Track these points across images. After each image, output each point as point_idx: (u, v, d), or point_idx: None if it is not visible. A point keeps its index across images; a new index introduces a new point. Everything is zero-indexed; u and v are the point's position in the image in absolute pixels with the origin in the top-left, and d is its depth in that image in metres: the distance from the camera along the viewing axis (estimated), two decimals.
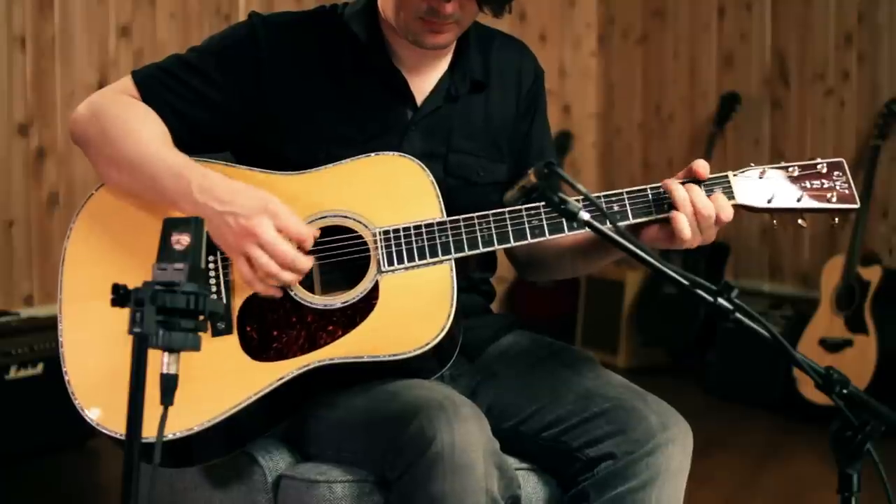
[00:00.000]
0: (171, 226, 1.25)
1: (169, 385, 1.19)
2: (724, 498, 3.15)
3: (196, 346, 1.21)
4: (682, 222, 1.61)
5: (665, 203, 1.65)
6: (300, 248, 1.58)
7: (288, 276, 1.57)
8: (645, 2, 5.13)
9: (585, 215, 1.34)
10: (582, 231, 1.68)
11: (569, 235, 1.75)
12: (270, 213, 1.56)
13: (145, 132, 1.66)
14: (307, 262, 1.58)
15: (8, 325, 3.38)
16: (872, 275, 3.78)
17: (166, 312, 1.18)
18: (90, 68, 3.91)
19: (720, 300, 1.28)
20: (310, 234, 1.59)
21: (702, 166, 1.66)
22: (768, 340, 1.28)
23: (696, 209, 1.62)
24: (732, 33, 4.71)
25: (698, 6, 4.87)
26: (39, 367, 3.32)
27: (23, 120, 3.77)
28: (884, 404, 1.27)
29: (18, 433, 3.28)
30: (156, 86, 1.71)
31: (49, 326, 3.34)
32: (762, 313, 4.10)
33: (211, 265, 1.64)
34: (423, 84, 1.80)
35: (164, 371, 1.20)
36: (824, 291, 3.90)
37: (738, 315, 1.28)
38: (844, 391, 1.27)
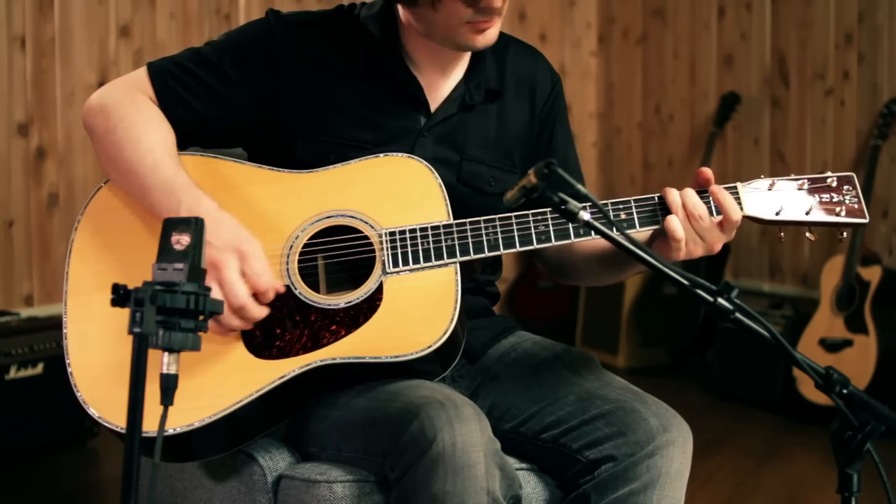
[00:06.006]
0: (171, 226, 1.25)
1: (169, 385, 1.19)
2: (724, 498, 3.15)
3: (196, 347, 1.21)
4: (673, 223, 1.60)
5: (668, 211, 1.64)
6: (259, 298, 1.56)
7: (234, 322, 1.54)
8: (645, 2, 5.13)
9: (586, 215, 1.34)
10: (595, 239, 1.68)
11: (592, 243, 1.75)
12: (240, 254, 1.54)
13: (145, 139, 1.64)
14: (259, 313, 1.55)
15: (8, 325, 3.38)
16: (872, 275, 3.78)
17: (166, 312, 1.18)
18: (90, 68, 3.91)
19: (720, 300, 1.28)
20: (271, 288, 1.56)
21: (706, 171, 1.65)
22: (768, 340, 1.28)
23: (688, 210, 1.60)
24: (732, 33, 4.71)
25: (698, 6, 4.87)
26: (39, 367, 3.32)
27: (23, 120, 3.77)
28: (884, 404, 1.27)
29: (18, 433, 3.28)
30: (169, 79, 1.71)
31: (49, 326, 3.39)
32: (762, 313, 4.10)
33: None
34: (438, 90, 1.78)
35: (164, 371, 1.19)
36: (824, 291, 3.90)
37: (738, 315, 1.28)
38: (844, 391, 1.27)
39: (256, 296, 1.55)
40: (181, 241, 1.23)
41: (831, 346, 3.81)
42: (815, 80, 4.38)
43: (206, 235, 1.51)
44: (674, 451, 1.61)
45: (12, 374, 3.27)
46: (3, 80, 3.71)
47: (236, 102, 1.72)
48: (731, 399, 4.15)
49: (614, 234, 1.35)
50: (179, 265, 1.21)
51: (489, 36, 1.68)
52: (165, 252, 1.23)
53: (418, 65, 1.77)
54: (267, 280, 1.55)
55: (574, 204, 1.34)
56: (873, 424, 1.25)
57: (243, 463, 1.67)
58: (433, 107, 1.78)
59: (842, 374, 1.28)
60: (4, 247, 3.76)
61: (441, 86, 1.79)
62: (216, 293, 1.51)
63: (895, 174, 4.08)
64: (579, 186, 1.33)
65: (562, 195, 1.34)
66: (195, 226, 1.24)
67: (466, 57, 1.79)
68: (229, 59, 1.72)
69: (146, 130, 1.65)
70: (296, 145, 1.73)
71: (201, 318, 1.21)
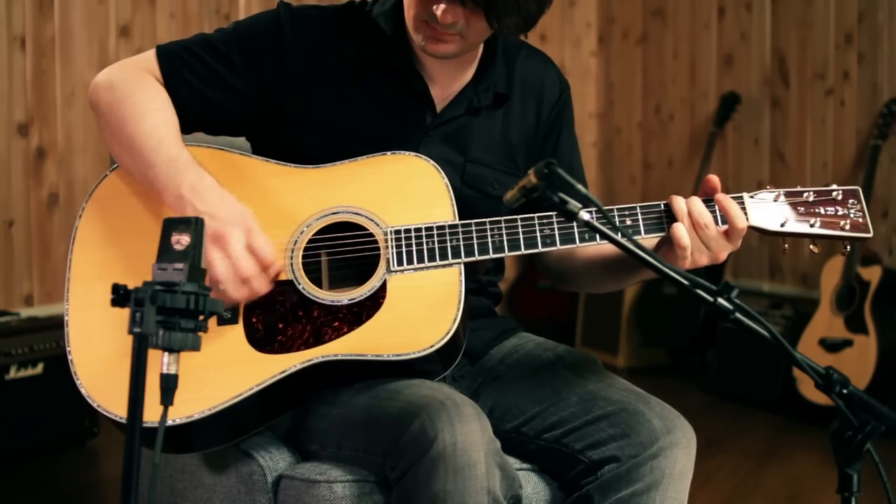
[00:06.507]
0: (170, 226, 1.25)
1: (168, 385, 1.19)
2: (724, 498, 3.15)
3: (196, 347, 1.21)
4: (679, 230, 1.60)
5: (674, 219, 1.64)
6: (266, 272, 1.57)
7: (240, 293, 1.55)
8: (645, 2, 5.13)
9: (586, 215, 1.34)
10: (601, 245, 1.67)
11: (594, 249, 1.74)
12: (246, 228, 1.55)
13: (150, 117, 1.64)
14: (264, 286, 1.57)
15: (8, 325, 3.38)
16: (872, 275, 3.78)
17: (166, 312, 1.18)
18: (90, 68, 3.91)
19: (720, 300, 1.28)
20: (277, 262, 1.58)
21: (713, 179, 1.65)
22: (768, 340, 1.28)
23: (693, 218, 1.61)
24: (732, 33, 4.71)
25: (698, 6, 4.88)
26: (39, 367, 3.32)
27: (23, 120, 3.77)
28: (884, 404, 1.27)
29: (18, 433, 3.28)
30: (177, 62, 1.71)
31: (49, 326, 3.39)
32: (762, 313, 4.10)
33: None
34: (446, 91, 1.78)
35: (164, 371, 1.19)
36: (824, 291, 3.90)
37: (738, 315, 1.28)
38: (844, 391, 1.27)
39: (263, 270, 1.56)
40: (181, 241, 1.24)
41: (831, 346, 3.81)
42: (815, 80, 4.38)
43: (210, 209, 1.53)
44: (677, 452, 1.61)
45: (12, 374, 3.27)
46: (3, 80, 3.71)
47: (242, 91, 1.72)
48: (731, 399, 4.15)
49: (615, 234, 1.35)
50: (179, 265, 1.21)
51: (441, 49, 1.67)
52: (165, 252, 1.23)
53: (426, 65, 1.76)
54: (272, 253, 1.57)
55: (574, 204, 1.34)
56: (873, 424, 1.25)
57: (243, 463, 1.67)
58: (439, 107, 1.77)
59: (842, 374, 1.28)
60: (4, 247, 3.76)
61: (448, 86, 1.78)
62: (220, 266, 1.52)
63: (895, 174, 4.08)
64: (580, 187, 1.33)
65: (562, 195, 1.34)
66: (195, 226, 1.24)
67: (475, 59, 1.79)
68: (236, 48, 1.72)
69: (151, 109, 1.66)
70: (301, 139, 1.73)
71: (201, 318, 1.21)
